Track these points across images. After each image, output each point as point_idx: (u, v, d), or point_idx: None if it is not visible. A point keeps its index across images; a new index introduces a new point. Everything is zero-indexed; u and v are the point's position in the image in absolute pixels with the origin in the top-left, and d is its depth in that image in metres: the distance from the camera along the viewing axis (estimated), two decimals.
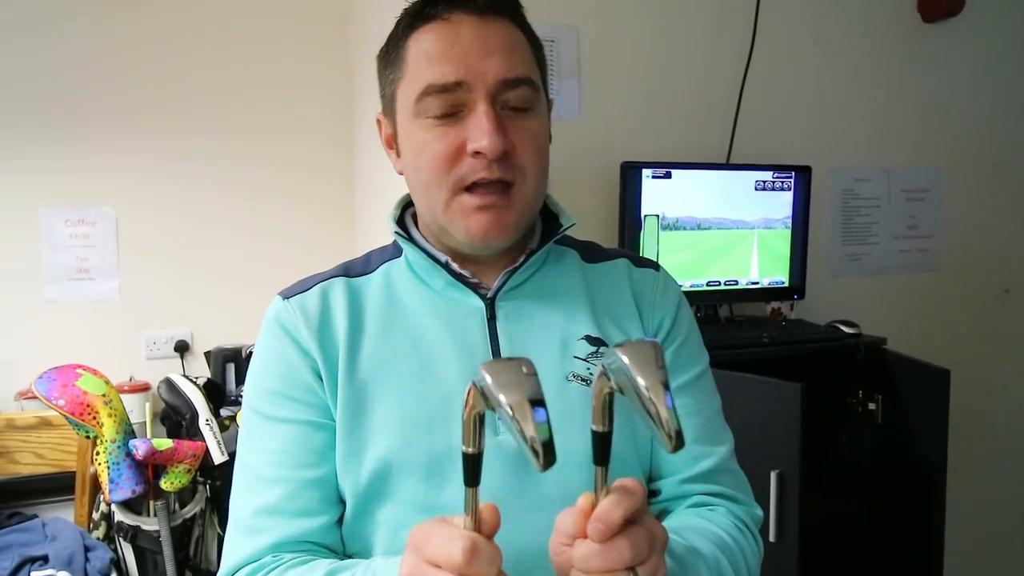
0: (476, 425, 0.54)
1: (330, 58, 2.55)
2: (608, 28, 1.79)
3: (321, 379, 0.77)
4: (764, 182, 1.82)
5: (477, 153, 0.73)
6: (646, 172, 1.70)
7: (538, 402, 0.50)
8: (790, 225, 1.86)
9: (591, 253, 0.89)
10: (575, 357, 0.78)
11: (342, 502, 0.78)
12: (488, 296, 0.80)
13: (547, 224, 0.87)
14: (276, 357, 0.78)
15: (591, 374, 0.77)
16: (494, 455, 0.73)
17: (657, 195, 1.71)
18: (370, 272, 0.84)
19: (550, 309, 0.81)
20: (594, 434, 0.55)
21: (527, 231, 0.84)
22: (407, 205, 0.88)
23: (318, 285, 0.82)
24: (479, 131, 0.73)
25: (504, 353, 0.78)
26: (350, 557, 0.76)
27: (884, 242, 2.19)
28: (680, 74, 1.86)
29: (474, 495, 0.55)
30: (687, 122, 1.87)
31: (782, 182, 1.84)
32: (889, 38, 2.11)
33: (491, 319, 0.79)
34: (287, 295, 0.81)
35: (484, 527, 0.55)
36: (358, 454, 0.74)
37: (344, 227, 2.58)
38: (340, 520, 0.77)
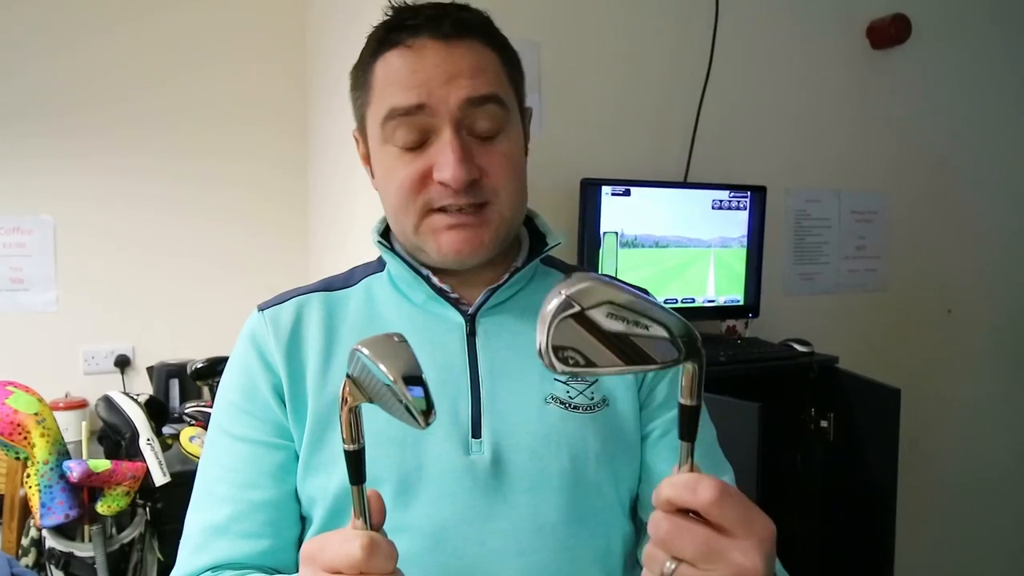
0: (354, 420, 0.53)
1: (286, 79, 2.50)
2: (568, 44, 1.79)
3: (282, 397, 0.75)
4: (721, 201, 1.84)
5: (443, 183, 0.73)
6: (606, 189, 1.69)
7: (414, 379, 0.50)
8: (745, 244, 1.88)
9: None
10: (555, 379, 0.77)
11: (298, 523, 0.76)
12: (469, 312, 0.79)
13: (534, 243, 0.86)
14: (242, 370, 0.78)
15: (571, 397, 0.77)
16: (464, 475, 0.72)
17: (616, 212, 1.71)
18: (351, 286, 0.83)
19: (532, 329, 0.79)
20: (681, 408, 0.51)
21: (511, 248, 0.83)
22: None
23: (294, 299, 0.81)
24: (443, 161, 0.72)
25: (483, 371, 0.77)
26: None
27: (835, 262, 2.23)
28: (639, 92, 1.87)
29: (360, 493, 0.54)
30: (646, 140, 1.88)
31: (738, 201, 1.86)
32: (840, 64, 2.17)
33: (471, 335, 0.78)
34: (263, 307, 0.81)
35: (374, 518, 0.55)
36: (326, 469, 0.73)
37: (297, 248, 2.53)
38: (297, 541, 0.76)
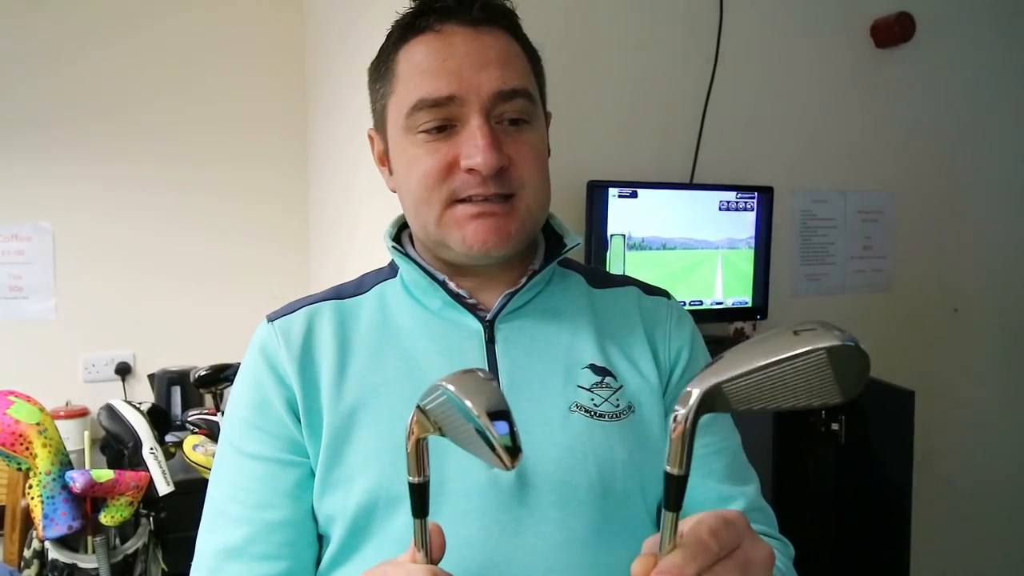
0: (422, 452, 0.52)
1: (285, 86, 2.49)
2: (574, 46, 1.77)
3: (296, 411, 0.72)
4: (728, 202, 1.82)
5: (471, 170, 0.70)
6: (612, 191, 1.68)
7: (501, 415, 0.48)
8: (753, 245, 1.86)
9: (597, 278, 0.86)
10: (579, 387, 0.74)
11: (316, 543, 0.73)
12: (487, 318, 0.76)
13: (551, 245, 0.83)
14: (252, 384, 0.75)
15: (596, 405, 0.74)
16: (488, 490, 0.69)
17: (623, 214, 1.69)
18: (363, 293, 0.80)
19: (553, 333, 0.78)
20: (668, 477, 0.47)
21: (528, 250, 0.80)
22: (404, 225, 0.84)
23: (304, 308, 0.78)
24: (473, 147, 0.70)
25: (504, 380, 0.74)
26: None
27: (841, 262, 2.22)
28: (645, 93, 1.86)
29: (423, 526, 0.53)
30: (652, 142, 1.87)
31: (745, 202, 1.84)
32: (844, 63, 2.16)
33: (490, 342, 0.75)
34: (272, 317, 0.78)
35: (435, 552, 0.53)
36: (343, 486, 0.70)
37: (298, 254, 2.51)
38: (315, 562, 0.73)
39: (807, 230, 2.15)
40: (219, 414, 1.81)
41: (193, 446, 1.83)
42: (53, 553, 1.57)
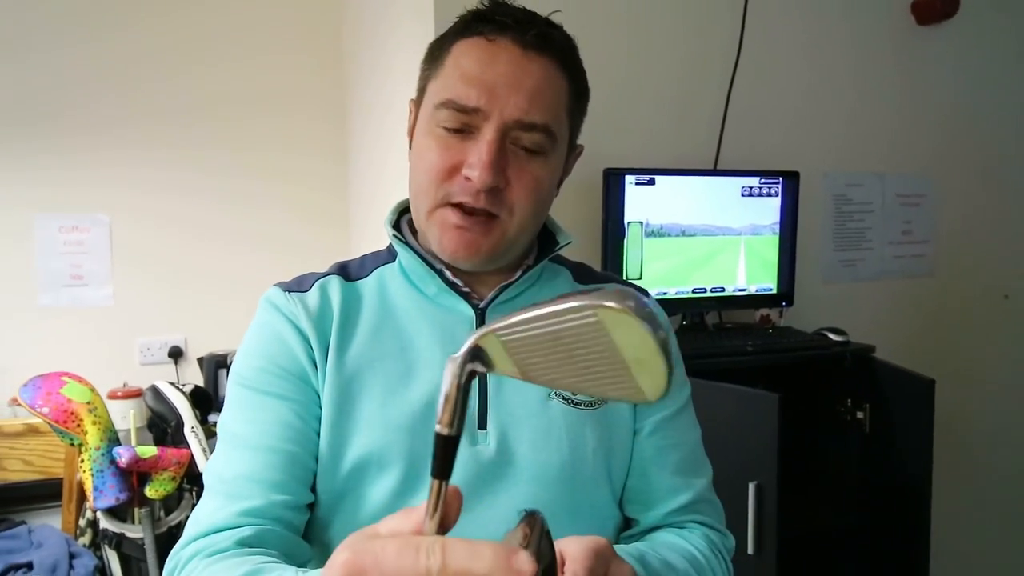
0: (462, 399, 0.41)
1: (324, 68, 2.56)
2: (591, 28, 1.76)
3: (315, 364, 0.78)
4: (751, 188, 1.80)
5: (468, 178, 0.75)
6: (629, 179, 1.68)
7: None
8: (778, 231, 1.84)
9: (583, 275, 0.91)
10: None
11: (312, 491, 0.78)
12: (480, 306, 0.82)
13: (544, 242, 0.88)
14: (273, 336, 0.79)
15: (573, 393, 0.79)
16: (469, 464, 0.75)
17: (641, 202, 1.69)
18: (364, 277, 0.85)
19: None
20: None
21: (524, 249, 0.84)
22: (404, 211, 0.89)
23: (317, 282, 0.83)
24: (476, 158, 0.74)
25: None
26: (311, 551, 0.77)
27: (878, 248, 2.16)
28: (665, 78, 1.84)
29: (441, 488, 0.42)
30: (673, 127, 1.85)
31: (769, 188, 1.82)
32: (882, 40, 2.09)
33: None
34: (287, 289, 0.83)
35: (449, 522, 0.44)
36: (341, 447, 0.76)
37: (339, 234, 2.59)
38: (309, 507, 0.78)
39: (841, 215, 2.10)
40: None
41: None
42: (104, 523, 1.70)
